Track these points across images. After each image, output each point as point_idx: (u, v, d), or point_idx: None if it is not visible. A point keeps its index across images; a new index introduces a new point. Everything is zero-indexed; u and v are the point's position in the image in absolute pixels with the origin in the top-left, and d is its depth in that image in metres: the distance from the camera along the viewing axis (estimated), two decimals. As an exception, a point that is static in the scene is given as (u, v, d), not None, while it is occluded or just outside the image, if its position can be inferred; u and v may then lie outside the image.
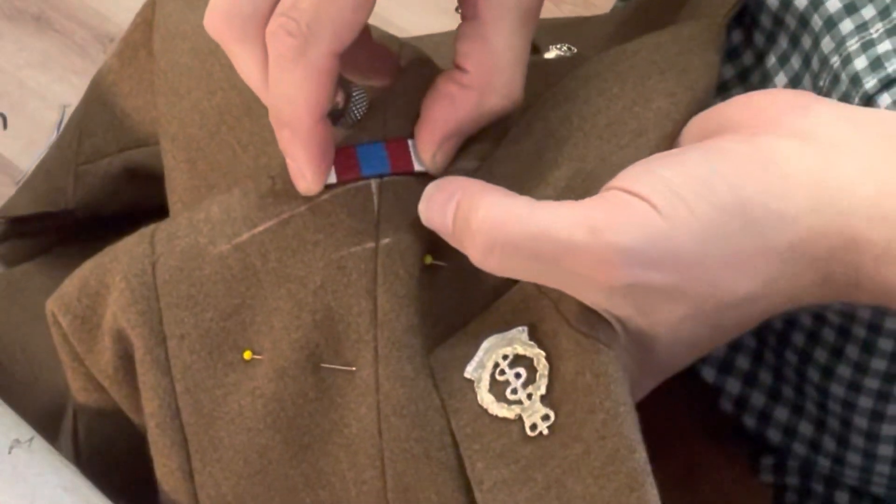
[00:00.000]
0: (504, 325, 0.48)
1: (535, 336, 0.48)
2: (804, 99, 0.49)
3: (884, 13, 0.56)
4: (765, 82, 0.62)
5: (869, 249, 0.45)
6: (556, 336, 0.47)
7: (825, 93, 0.57)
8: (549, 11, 0.81)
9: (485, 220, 0.46)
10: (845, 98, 0.56)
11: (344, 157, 0.49)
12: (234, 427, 0.49)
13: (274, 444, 0.49)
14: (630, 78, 0.52)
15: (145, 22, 0.63)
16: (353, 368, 0.49)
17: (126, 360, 0.50)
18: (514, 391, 0.47)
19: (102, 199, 0.64)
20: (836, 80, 0.56)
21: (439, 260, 0.49)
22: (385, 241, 0.49)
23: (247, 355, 0.49)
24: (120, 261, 0.50)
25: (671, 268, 0.44)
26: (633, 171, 0.45)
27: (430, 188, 0.48)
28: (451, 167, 0.50)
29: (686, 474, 0.59)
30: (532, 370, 0.47)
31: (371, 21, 0.58)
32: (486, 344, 0.48)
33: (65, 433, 0.54)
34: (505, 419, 0.47)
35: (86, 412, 0.52)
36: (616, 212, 0.44)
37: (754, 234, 0.45)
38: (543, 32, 0.71)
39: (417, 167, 0.50)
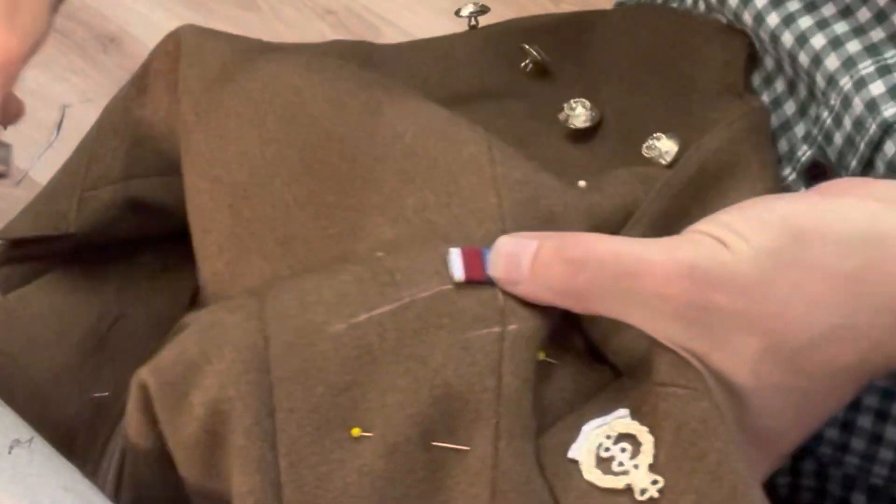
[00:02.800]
0: (603, 413, 0.50)
1: (635, 417, 0.50)
2: (863, 180, 0.54)
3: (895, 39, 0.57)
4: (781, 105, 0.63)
5: None
6: (654, 409, 0.49)
7: (836, 114, 0.58)
8: (547, 10, 0.81)
9: (577, 243, 0.50)
10: (860, 122, 0.56)
11: (471, 257, 0.51)
12: None
13: None
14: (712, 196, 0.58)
15: (167, 54, 0.63)
16: (468, 448, 0.49)
17: (212, 435, 0.49)
18: (621, 464, 0.49)
19: (104, 225, 0.64)
20: (847, 102, 0.57)
21: (551, 358, 0.52)
22: (511, 327, 0.50)
23: (355, 432, 0.49)
24: (228, 333, 0.50)
25: (734, 290, 0.47)
26: (704, 220, 0.50)
27: (504, 241, 0.51)
28: None
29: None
30: (637, 444, 0.49)
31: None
32: (587, 428, 0.50)
33: (103, 472, 0.53)
34: (614, 490, 0.48)
35: (135, 460, 0.51)
36: (688, 240, 0.49)
37: (814, 263, 0.47)
38: (543, 32, 0.71)
39: None
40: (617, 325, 0.51)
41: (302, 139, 0.57)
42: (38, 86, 1.29)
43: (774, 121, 0.63)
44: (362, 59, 0.67)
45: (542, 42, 0.69)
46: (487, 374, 0.49)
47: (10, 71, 0.59)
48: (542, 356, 0.51)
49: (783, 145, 0.63)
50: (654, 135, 0.63)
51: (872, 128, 0.56)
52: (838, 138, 0.58)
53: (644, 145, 0.63)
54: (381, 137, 0.56)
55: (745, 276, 0.47)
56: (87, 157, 0.64)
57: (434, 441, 0.49)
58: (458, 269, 0.51)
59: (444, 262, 0.52)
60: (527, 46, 0.69)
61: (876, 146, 0.56)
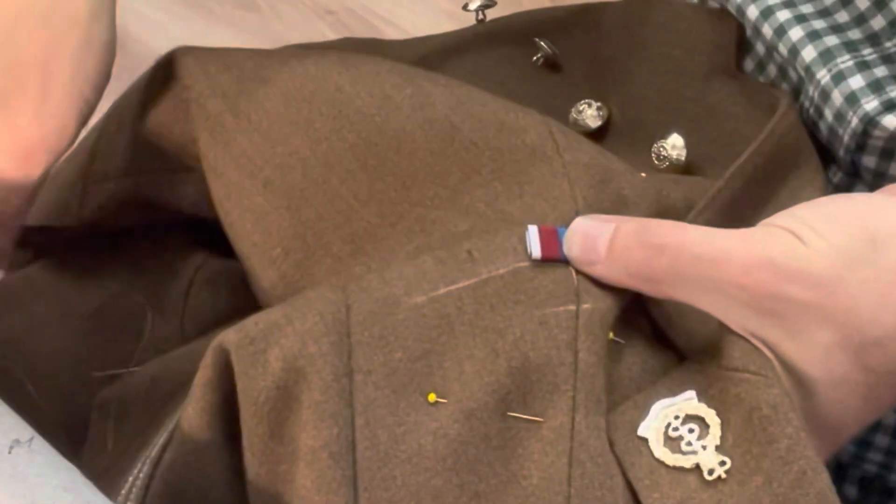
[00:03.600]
0: (671, 394, 0.52)
1: (703, 399, 0.51)
2: None
3: (873, 40, 0.58)
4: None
5: None
6: (723, 393, 0.50)
7: (816, 105, 0.58)
8: (548, 2, 0.81)
9: (658, 228, 0.51)
10: (840, 115, 0.57)
11: (547, 236, 0.53)
12: (409, 466, 0.49)
13: (450, 486, 0.49)
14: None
15: (172, 60, 0.63)
16: (541, 419, 0.50)
17: (283, 392, 0.49)
18: (689, 444, 0.50)
19: (106, 219, 0.64)
20: (825, 94, 0.57)
21: (618, 338, 0.53)
22: (585, 305, 0.52)
23: (431, 397, 0.50)
24: (312, 303, 0.50)
25: (810, 284, 0.49)
26: (780, 214, 0.52)
27: (580, 221, 0.53)
28: None
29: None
30: (705, 425, 0.50)
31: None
32: (655, 407, 0.51)
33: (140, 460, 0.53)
34: (681, 468, 0.50)
35: (181, 447, 0.51)
36: (766, 233, 0.51)
37: (886, 264, 0.49)
38: (552, 25, 0.71)
39: None
40: (683, 310, 0.53)
41: (353, 136, 0.57)
42: (38, 86, 1.29)
43: None
44: (373, 54, 0.67)
45: (550, 36, 0.70)
46: (564, 348, 0.51)
47: (30, 168, 0.55)
48: (610, 335, 0.52)
49: None
50: (658, 142, 0.63)
51: (854, 121, 0.57)
52: (823, 128, 0.60)
53: (653, 155, 0.64)
54: (436, 131, 0.57)
55: (821, 271, 0.49)
56: (90, 151, 0.64)
57: (509, 411, 0.50)
58: (535, 247, 0.52)
59: (521, 240, 0.53)
60: (538, 40, 0.69)
61: (861, 137, 0.58)
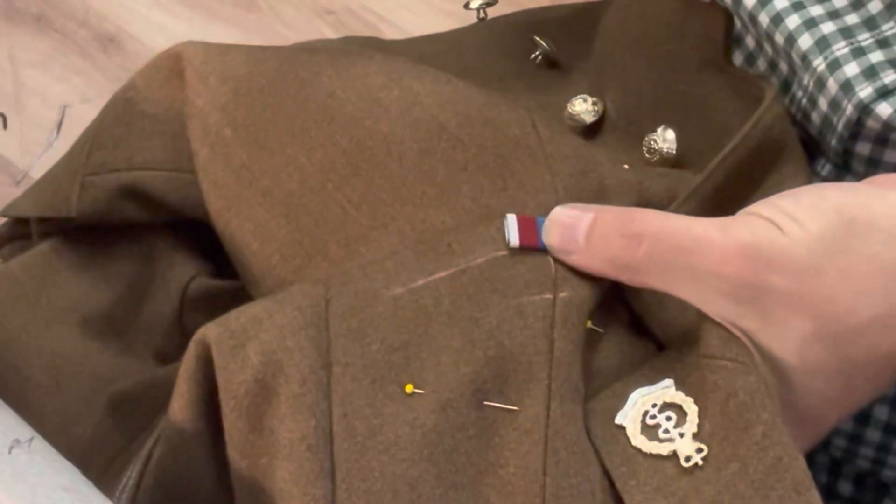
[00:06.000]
0: (650, 383, 0.52)
1: (680, 388, 0.51)
2: None
3: (870, 24, 0.57)
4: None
5: None
6: (701, 381, 0.50)
7: (810, 94, 0.58)
8: (544, 2, 0.81)
9: (637, 217, 0.51)
10: (836, 103, 0.57)
11: (526, 224, 0.53)
12: (387, 457, 0.49)
13: (427, 477, 0.49)
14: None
15: (170, 67, 0.63)
16: (517, 408, 0.50)
17: (262, 386, 0.49)
18: (666, 431, 0.50)
19: (104, 211, 0.64)
20: (821, 83, 0.57)
21: (597, 326, 0.53)
22: (563, 294, 0.51)
23: (408, 388, 0.50)
24: (292, 297, 0.51)
25: (789, 272, 0.49)
26: (760, 203, 0.52)
27: (559, 210, 0.53)
28: None
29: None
30: (682, 413, 0.50)
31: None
32: (633, 396, 0.51)
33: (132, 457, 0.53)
34: (658, 455, 0.50)
35: (169, 441, 0.52)
36: (745, 221, 0.51)
37: (865, 252, 0.49)
38: (552, 24, 0.71)
39: None
40: (661, 299, 0.53)
41: (345, 141, 0.58)
42: (38, 86, 1.28)
43: None
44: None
45: (550, 34, 0.70)
46: (540, 336, 0.51)
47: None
48: (588, 324, 0.52)
49: None
50: (649, 136, 0.63)
51: (849, 109, 0.57)
52: (815, 118, 0.60)
53: (644, 148, 0.64)
54: (424, 131, 0.57)
55: (799, 259, 0.49)
56: (90, 143, 0.64)
57: (486, 401, 0.50)
58: (513, 235, 0.53)
59: (499, 230, 0.53)
60: (537, 38, 0.70)
61: (854, 126, 0.58)
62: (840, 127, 0.58)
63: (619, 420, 0.51)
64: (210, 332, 0.51)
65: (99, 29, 1.34)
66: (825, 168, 0.62)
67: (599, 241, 0.51)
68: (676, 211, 0.56)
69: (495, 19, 0.73)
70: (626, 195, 0.56)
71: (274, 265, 0.59)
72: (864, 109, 0.57)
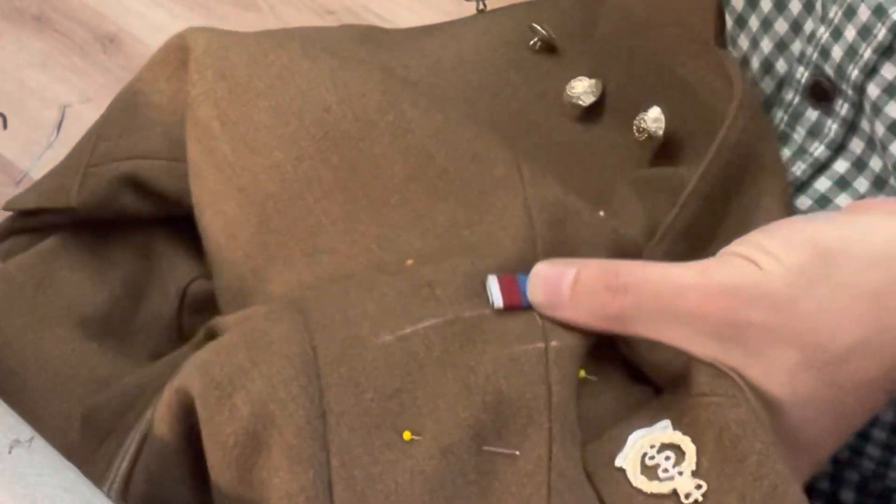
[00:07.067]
0: (647, 425, 0.52)
1: (678, 428, 0.52)
2: (891, 199, 0.56)
3: None
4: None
5: None
6: (695, 420, 0.51)
7: (835, 27, 0.58)
8: None
9: (619, 269, 0.52)
10: (866, 29, 0.57)
11: (507, 284, 0.53)
12: None
13: None
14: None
15: (177, 52, 0.64)
16: (517, 452, 0.50)
17: (252, 438, 0.49)
18: (666, 470, 0.51)
19: (103, 201, 0.64)
20: (851, 10, 0.57)
21: (591, 375, 0.54)
22: (553, 343, 0.52)
23: (406, 435, 0.50)
24: (276, 343, 0.50)
25: (768, 307, 0.50)
26: (736, 241, 0.53)
27: (541, 267, 0.53)
28: None
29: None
30: (680, 452, 0.51)
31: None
32: (632, 438, 0.52)
33: (113, 472, 0.53)
34: (659, 494, 0.50)
35: (149, 475, 0.52)
36: (723, 262, 0.52)
37: (841, 280, 0.50)
38: (551, 12, 0.72)
39: None
40: (652, 345, 0.53)
41: (337, 158, 0.58)
42: (37, 86, 1.28)
43: (768, 42, 0.64)
44: (374, 42, 0.68)
45: (550, 22, 0.70)
46: (537, 382, 0.51)
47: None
48: (581, 374, 0.53)
49: (781, 67, 0.64)
50: (639, 115, 0.64)
51: (882, 32, 0.58)
52: (837, 52, 0.60)
53: (634, 127, 0.64)
54: (413, 158, 0.58)
55: (777, 292, 0.50)
56: (95, 135, 0.64)
57: (485, 445, 0.50)
58: (497, 298, 0.53)
59: (483, 285, 0.53)
60: (535, 25, 0.70)
61: (885, 51, 0.58)
62: (868, 53, 0.58)
63: (618, 463, 0.52)
64: (192, 382, 0.50)
65: (99, 29, 1.34)
66: (843, 108, 0.62)
67: (585, 296, 0.52)
68: (656, 248, 0.57)
69: (494, 10, 0.74)
70: (602, 245, 0.57)
71: (235, 261, 0.59)
72: None
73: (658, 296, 0.51)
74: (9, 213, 0.68)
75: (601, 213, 0.59)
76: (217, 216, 0.60)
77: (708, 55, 0.65)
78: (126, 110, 0.65)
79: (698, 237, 0.57)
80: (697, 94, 0.64)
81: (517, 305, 0.53)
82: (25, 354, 0.61)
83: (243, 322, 0.53)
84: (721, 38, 0.66)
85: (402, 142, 0.58)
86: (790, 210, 0.63)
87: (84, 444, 0.58)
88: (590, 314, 0.52)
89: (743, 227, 0.57)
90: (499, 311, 0.53)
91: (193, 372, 0.50)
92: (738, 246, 0.53)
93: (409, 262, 0.55)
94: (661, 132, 0.63)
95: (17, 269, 0.64)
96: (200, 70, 0.61)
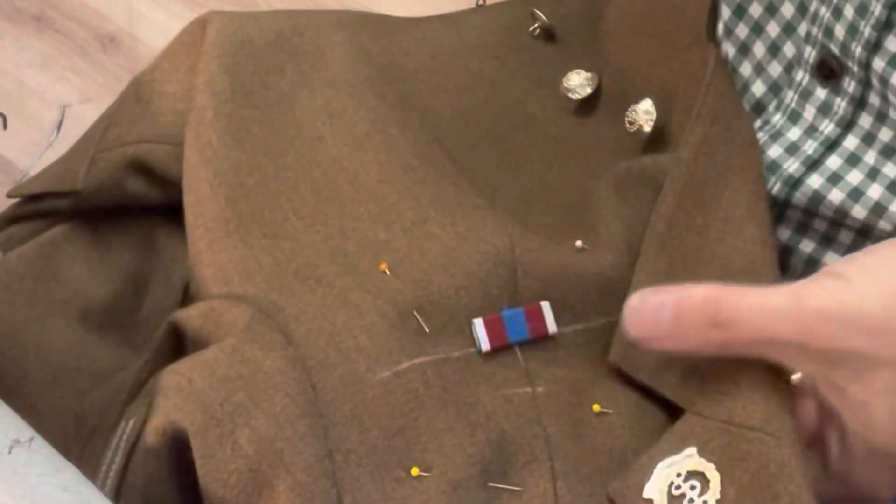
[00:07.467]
0: (673, 452, 0.53)
1: (703, 454, 0.52)
2: None
3: None
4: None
5: None
6: (727, 448, 0.52)
7: (835, 7, 0.59)
8: None
9: (718, 300, 0.53)
10: (863, 7, 0.58)
11: (493, 326, 0.54)
12: None
13: None
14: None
15: (192, 38, 0.64)
16: (520, 489, 0.51)
17: (256, 475, 0.49)
18: (691, 500, 0.51)
19: (108, 185, 0.64)
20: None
21: (606, 408, 0.55)
22: (539, 389, 0.53)
23: (414, 471, 0.50)
24: (274, 380, 0.50)
25: (868, 333, 0.51)
26: (833, 263, 0.55)
27: (637, 300, 0.54)
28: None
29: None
30: (706, 481, 0.51)
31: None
32: (659, 467, 0.53)
33: (105, 465, 0.53)
34: None
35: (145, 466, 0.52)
36: (817, 283, 0.54)
37: None
38: (551, 2, 0.72)
39: (552, 330, 0.55)
40: (672, 361, 0.55)
41: (318, 173, 0.59)
42: (37, 86, 1.28)
43: (774, 25, 0.65)
44: (374, 27, 0.68)
45: (550, 11, 0.70)
46: (534, 423, 0.52)
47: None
48: (596, 408, 0.54)
49: (790, 49, 0.64)
50: (631, 108, 0.64)
51: (878, 9, 0.59)
52: (839, 30, 0.60)
53: (626, 121, 0.65)
54: (393, 167, 0.59)
55: (875, 318, 0.51)
56: (106, 122, 0.65)
57: (490, 482, 0.51)
58: (483, 342, 0.54)
59: (469, 322, 0.54)
60: (536, 11, 0.70)
61: (884, 26, 0.59)
62: (868, 31, 0.59)
63: (646, 493, 0.52)
64: (190, 416, 0.50)
65: (99, 29, 1.34)
66: (851, 85, 0.63)
67: (688, 330, 0.54)
68: (639, 272, 0.58)
69: (494, 3, 0.75)
70: (579, 281, 0.57)
71: (196, 238, 0.59)
72: (894, 7, 0.59)
73: (758, 328, 0.53)
74: (11, 204, 0.68)
75: (578, 244, 0.59)
76: (190, 195, 0.60)
77: (698, 49, 0.65)
78: (140, 98, 0.65)
79: (679, 251, 0.58)
80: (686, 87, 0.65)
81: (503, 345, 0.54)
82: (27, 346, 0.61)
83: (211, 321, 0.53)
84: (713, 30, 0.66)
85: (385, 157, 0.60)
86: (767, 205, 0.63)
87: (75, 441, 0.58)
88: (693, 346, 0.54)
89: (726, 222, 0.58)
90: (486, 353, 0.54)
91: (189, 404, 0.50)
92: (834, 267, 0.54)
93: (384, 266, 0.55)
94: (651, 124, 0.64)
95: (18, 261, 0.64)
96: (207, 60, 0.62)
